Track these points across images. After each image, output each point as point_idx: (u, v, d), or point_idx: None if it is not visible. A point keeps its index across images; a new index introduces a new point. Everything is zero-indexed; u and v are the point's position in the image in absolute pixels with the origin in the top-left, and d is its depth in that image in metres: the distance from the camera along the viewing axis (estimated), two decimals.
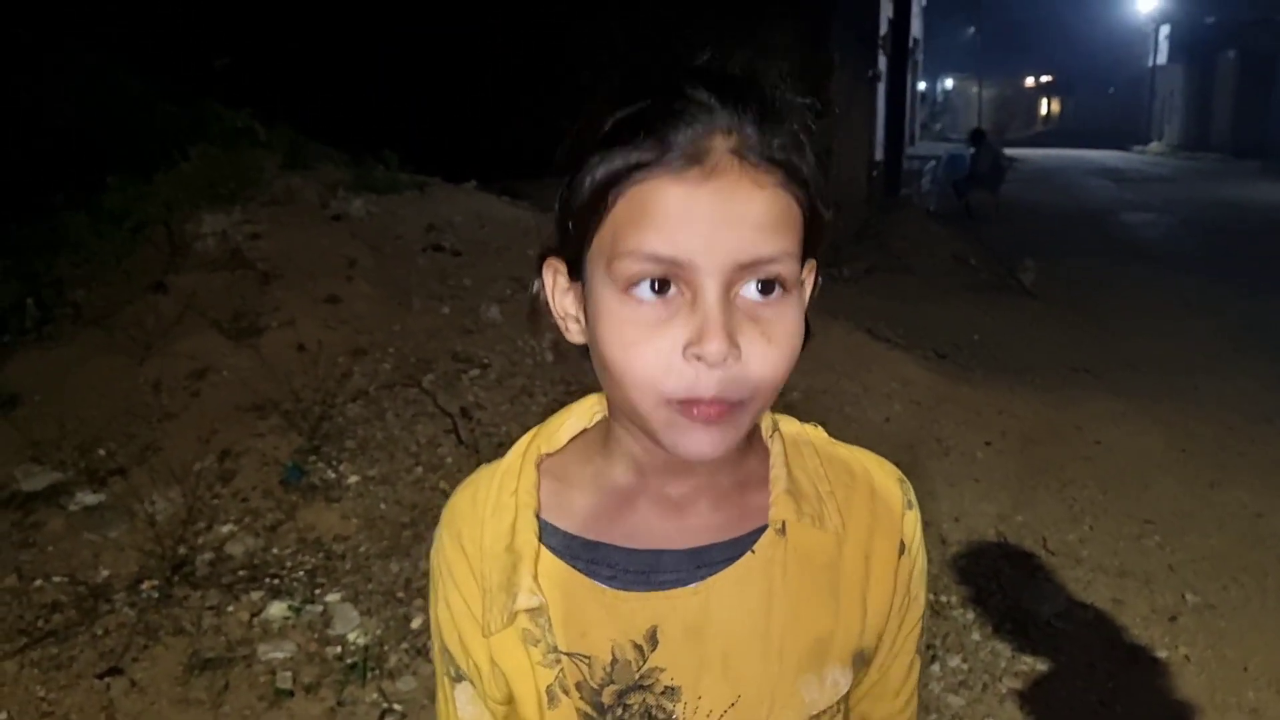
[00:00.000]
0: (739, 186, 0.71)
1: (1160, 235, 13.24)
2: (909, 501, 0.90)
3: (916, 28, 20.34)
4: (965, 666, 3.04)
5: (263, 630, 3.01)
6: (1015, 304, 8.27)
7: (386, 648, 2.95)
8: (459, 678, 0.88)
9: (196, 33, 6.60)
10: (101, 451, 3.78)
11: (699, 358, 0.70)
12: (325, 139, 6.55)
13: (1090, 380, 5.80)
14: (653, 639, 0.81)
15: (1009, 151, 17.24)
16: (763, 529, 0.84)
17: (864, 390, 4.78)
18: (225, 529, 3.42)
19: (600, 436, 0.87)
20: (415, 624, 3.04)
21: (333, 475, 3.66)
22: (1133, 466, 4.35)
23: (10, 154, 5.18)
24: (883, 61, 14.55)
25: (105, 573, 3.23)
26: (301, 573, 3.25)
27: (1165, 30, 36.91)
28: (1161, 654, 3.15)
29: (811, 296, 0.83)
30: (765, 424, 0.89)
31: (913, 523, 0.90)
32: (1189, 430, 4.82)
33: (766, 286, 0.73)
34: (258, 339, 4.24)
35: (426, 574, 0.93)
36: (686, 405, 0.72)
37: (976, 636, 3.18)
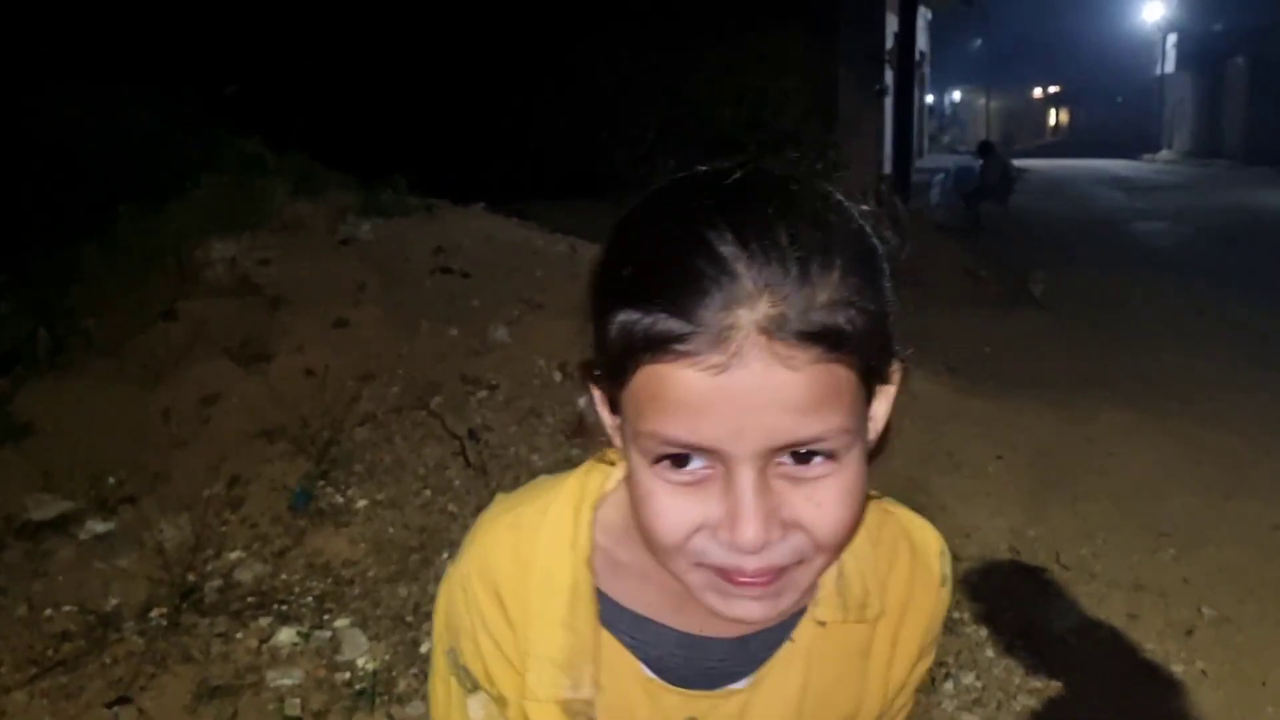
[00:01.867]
0: (769, 372, 0.62)
1: (1172, 244, 13.19)
2: (944, 577, 0.89)
3: (923, 41, 20.35)
4: (979, 684, 3.01)
5: (271, 657, 3.01)
6: (1026, 316, 8.25)
7: (395, 673, 2.94)
8: (475, 689, 0.86)
9: (205, 61, 6.66)
10: (112, 480, 3.80)
11: (734, 546, 0.66)
12: (334, 164, 6.59)
13: (1102, 393, 5.76)
14: None
15: (1018, 163, 17.23)
16: (802, 611, 0.82)
17: None
18: (234, 555, 3.42)
19: None
20: (424, 649, 3.03)
21: (341, 500, 3.67)
22: (1146, 479, 4.32)
23: (23, 185, 5.23)
24: (889, 76, 14.58)
25: (115, 601, 3.24)
26: (310, 598, 3.25)
27: (1172, 39, 36.88)
28: (1177, 669, 3.11)
29: (898, 393, 0.75)
30: None
31: (944, 599, 0.89)
32: (1203, 442, 4.78)
33: (808, 456, 0.66)
34: (267, 365, 4.26)
35: (437, 602, 0.90)
36: (727, 573, 0.68)
37: (990, 653, 3.15)
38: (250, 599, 3.23)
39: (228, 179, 5.59)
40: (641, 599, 0.81)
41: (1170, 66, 37.06)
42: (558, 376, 4.45)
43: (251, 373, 4.22)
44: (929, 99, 36.26)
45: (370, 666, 2.96)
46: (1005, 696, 2.97)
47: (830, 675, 0.83)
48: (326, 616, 3.16)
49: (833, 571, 0.81)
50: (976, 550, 3.74)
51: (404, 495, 3.70)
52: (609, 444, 0.78)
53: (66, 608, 3.20)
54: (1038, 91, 49.45)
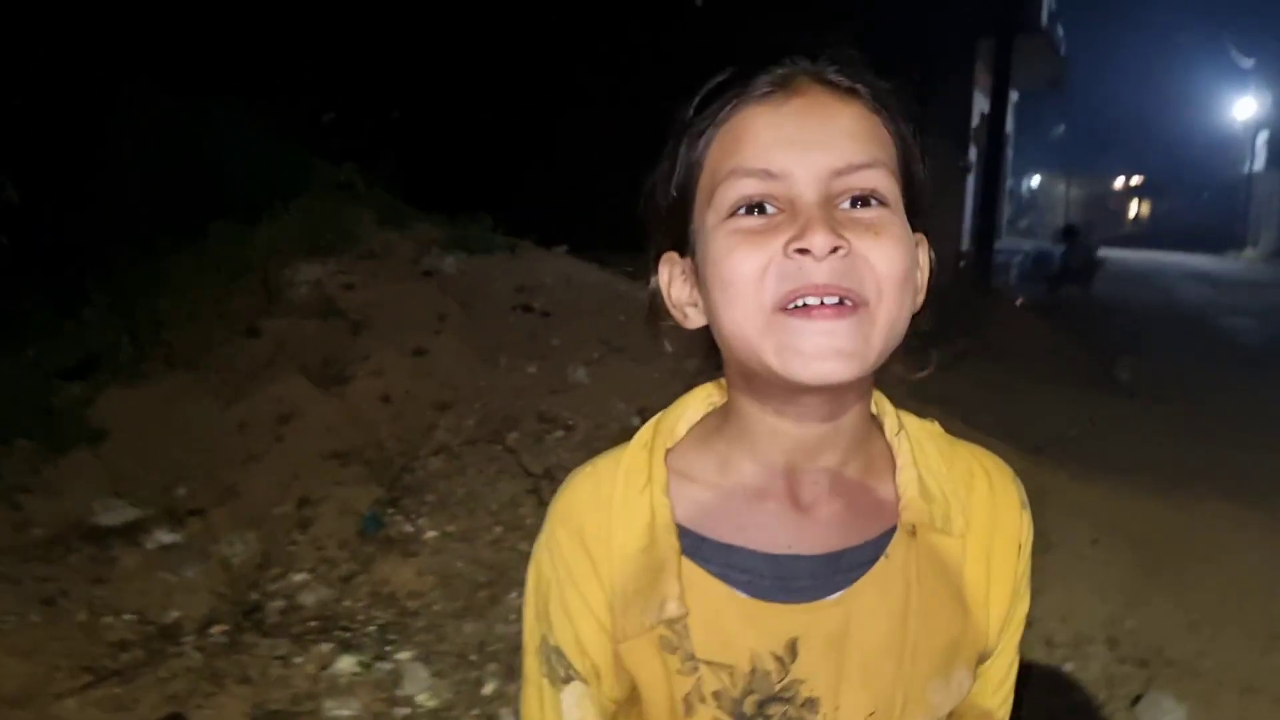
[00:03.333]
0: (823, 101, 0.74)
1: (1264, 341, 12.74)
2: (1023, 502, 0.89)
3: (1008, 122, 20.23)
4: None
5: (330, 685, 2.89)
6: (1112, 400, 7.94)
7: (456, 712, 2.80)
8: (568, 679, 0.84)
9: (307, 86, 6.76)
10: (182, 491, 3.74)
11: (804, 251, 0.70)
12: (419, 197, 6.61)
13: (1201, 483, 5.46)
14: (793, 650, 0.79)
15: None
16: (892, 529, 0.82)
17: None
18: (299, 577, 3.33)
19: (719, 423, 0.85)
20: (487, 690, 2.89)
21: (410, 529, 3.56)
22: (1256, 576, 4.03)
23: (119, 195, 5.30)
24: (974, 154, 14.45)
25: (176, 614, 3.15)
26: (373, 628, 3.13)
27: (1263, 136, 36.24)
28: None
29: (931, 278, 0.82)
30: (889, 420, 0.87)
31: (1028, 523, 0.89)
32: None
33: (864, 201, 0.74)
34: (345, 387, 4.21)
35: (526, 590, 0.90)
36: (800, 311, 0.71)
37: None
38: (313, 623, 3.12)
39: (319, 203, 5.61)
40: (724, 527, 0.81)
41: (1260, 164, 36.35)
42: (636, 421, 4.33)
43: (329, 394, 4.16)
44: (1008, 182, 35.97)
45: (431, 704, 2.82)
46: None
47: (929, 593, 0.81)
48: (389, 648, 3.04)
49: (913, 478, 0.83)
50: (1073, 637, 3.51)
51: (475, 529, 3.58)
52: (675, 327, 0.83)
53: (127, 616, 3.13)
54: (1119, 181, 48.79)
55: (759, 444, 0.81)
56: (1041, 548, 4.18)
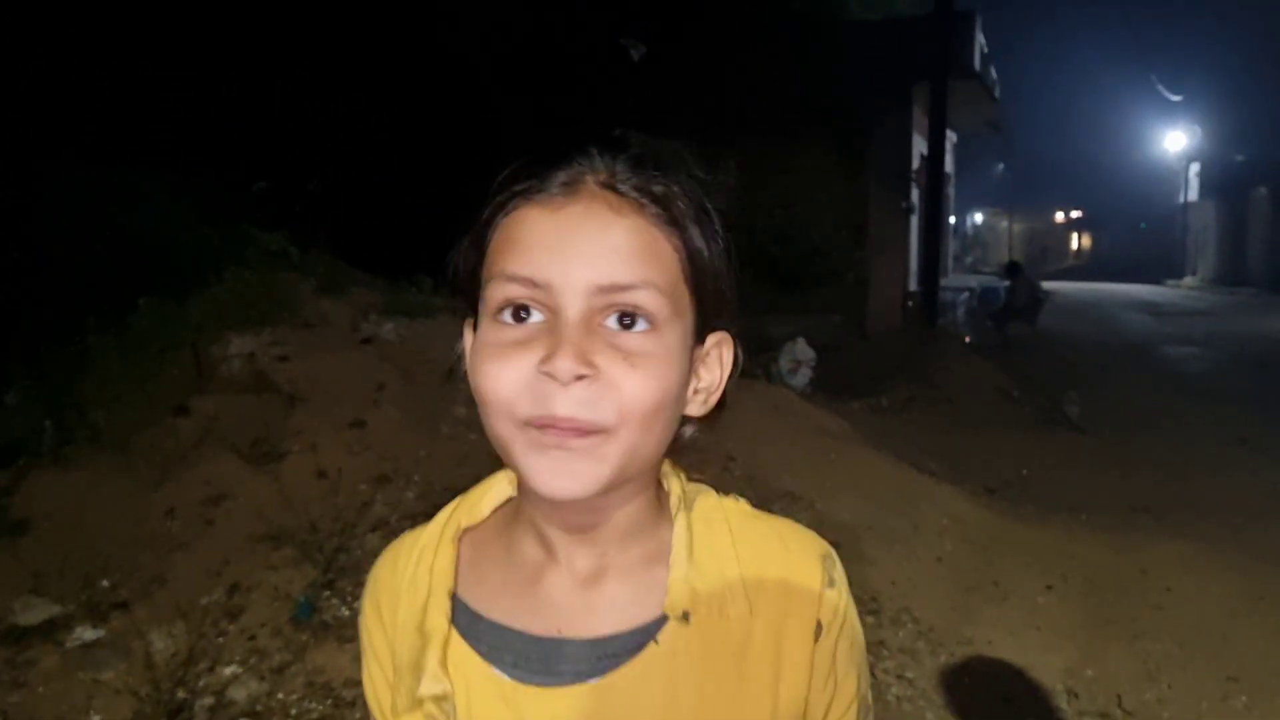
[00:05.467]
0: (598, 212, 0.75)
1: (1206, 369, 12.94)
2: (830, 580, 0.86)
3: (948, 163, 20.59)
4: None
5: None
6: (1062, 438, 7.97)
7: None
8: None
9: (236, 155, 6.66)
10: (105, 583, 3.58)
11: (550, 375, 0.71)
12: (360, 262, 6.51)
13: (1151, 521, 5.48)
14: None
15: (1042, 285, 17.12)
16: (666, 619, 0.81)
17: (914, 527, 4.50)
18: (229, 670, 3.17)
19: (516, 507, 0.87)
20: None
21: (347, 613, 3.42)
22: (1209, 617, 4.02)
23: (41, 273, 5.14)
24: (916, 194, 14.63)
25: (97, 719, 2.98)
26: None
27: (1195, 168, 37.26)
28: None
29: (732, 373, 0.84)
30: (674, 496, 0.87)
31: (833, 602, 0.86)
32: (1265, 577, 4.47)
33: (629, 320, 0.74)
34: (278, 465, 4.07)
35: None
36: (543, 427, 0.72)
37: None
38: None
39: (251, 274, 5.49)
40: (500, 608, 0.83)
41: (1193, 195, 37.34)
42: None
43: (261, 473, 4.02)
44: (951, 220, 36.54)
45: None
46: None
47: (701, 677, 0.79)
48: None
49: (681, 560, 0.82)
50: (1030, 690, 3.45)
51: None
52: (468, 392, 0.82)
53: None
54: (1060, 215, 49.84)
55: (539, 529, 0.83)
56: (996, 598, 4.15)
